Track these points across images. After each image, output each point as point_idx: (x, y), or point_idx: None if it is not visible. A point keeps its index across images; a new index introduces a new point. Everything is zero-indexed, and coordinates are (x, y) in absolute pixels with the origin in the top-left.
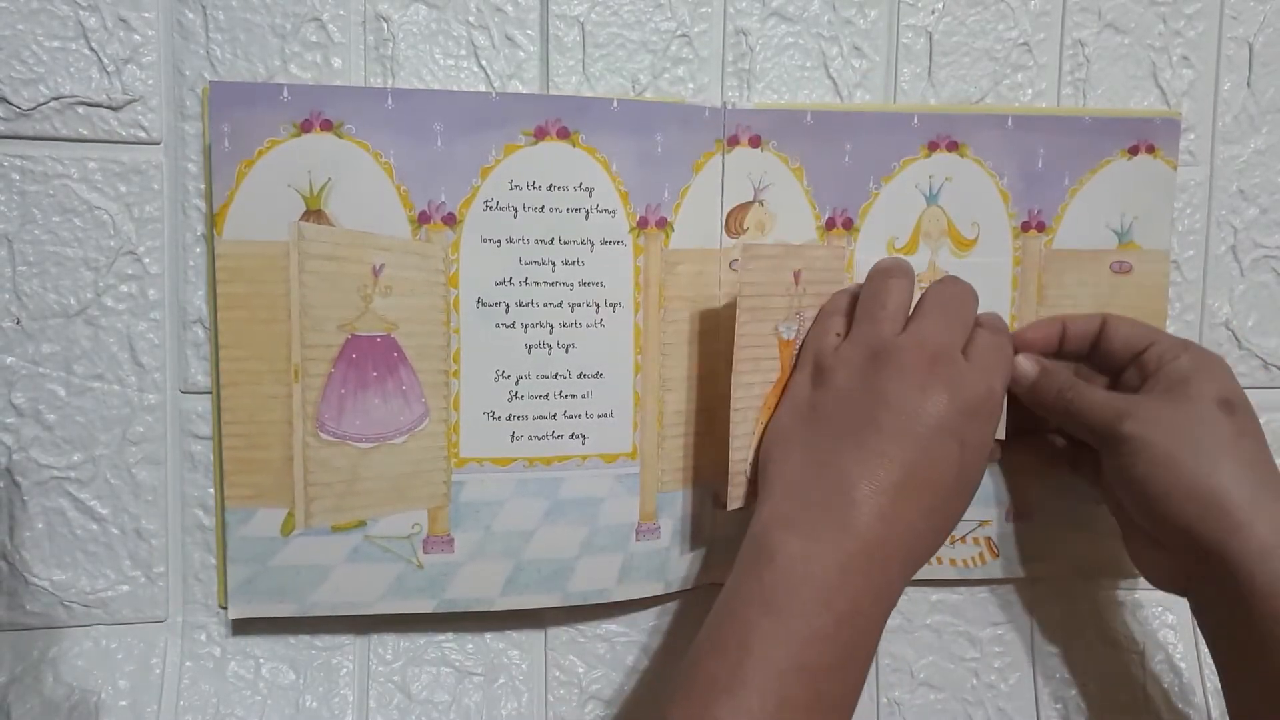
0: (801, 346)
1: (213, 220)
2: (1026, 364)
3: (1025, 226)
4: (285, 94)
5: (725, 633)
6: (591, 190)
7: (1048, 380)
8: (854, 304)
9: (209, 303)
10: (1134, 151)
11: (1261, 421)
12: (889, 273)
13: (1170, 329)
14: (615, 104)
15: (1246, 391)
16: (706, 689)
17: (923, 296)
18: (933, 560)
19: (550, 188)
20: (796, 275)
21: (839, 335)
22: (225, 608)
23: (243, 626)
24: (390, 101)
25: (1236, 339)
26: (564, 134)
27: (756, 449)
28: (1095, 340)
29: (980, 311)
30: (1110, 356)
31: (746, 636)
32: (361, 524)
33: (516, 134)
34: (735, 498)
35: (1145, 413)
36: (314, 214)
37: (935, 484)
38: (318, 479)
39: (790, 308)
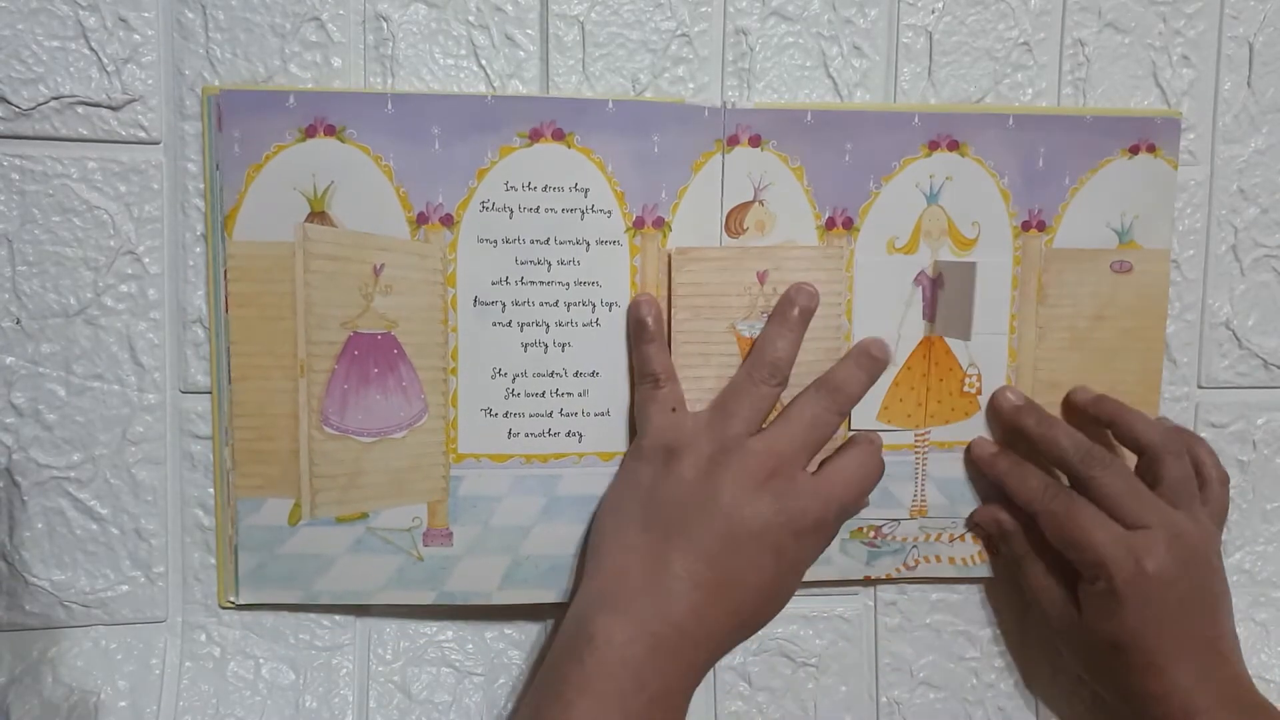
0: (642, 413)
1: (218, 221)
2: (1013, 396)
3: (1026, 226)
4: (291, 100)
5: (545, 715)
6: (587, 191)
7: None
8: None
9: (209, 302)
10: (1134, 151)
11: (1261, 421)
12: (762, 379)
13: (1170, 329)
14: (611, 105)
15: (1245, 391)
16: None
17: (794, 401)
18: (932, 559)
19: (545, 189)
20: (761, 276)
21: (674, 411)
22: (226, 606)
23: (243, 626)
24: (390, 106)
25: (1237, 339)
26: (559, 135)
27: None
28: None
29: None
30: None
31: (566, 718)
32: (364, 516)
33: (512, 136)
34: None
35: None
36: (318, 215)
37: (746, 590)
38: (322, 471)
39: (754, 307)
